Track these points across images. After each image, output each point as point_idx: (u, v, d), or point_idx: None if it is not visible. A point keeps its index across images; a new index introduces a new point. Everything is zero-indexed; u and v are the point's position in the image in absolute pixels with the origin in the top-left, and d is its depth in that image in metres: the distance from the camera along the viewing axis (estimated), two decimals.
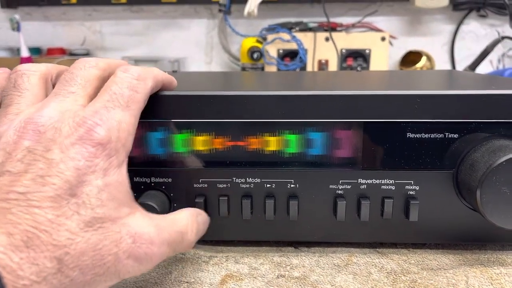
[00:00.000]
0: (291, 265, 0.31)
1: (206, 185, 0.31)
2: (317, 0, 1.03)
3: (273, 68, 0.98)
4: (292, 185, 0.30)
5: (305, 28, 1.00)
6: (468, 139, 0.29)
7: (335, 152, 0.30)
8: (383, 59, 0.97)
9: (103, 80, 0.26)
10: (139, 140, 0.30)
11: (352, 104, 0.29)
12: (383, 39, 0.97)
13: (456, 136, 0.29)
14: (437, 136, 0.29)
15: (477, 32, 1.07)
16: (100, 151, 0.21)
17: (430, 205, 0.30)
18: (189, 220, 0.26)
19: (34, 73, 0.25)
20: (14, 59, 1.05)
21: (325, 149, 0.30)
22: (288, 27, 1.00)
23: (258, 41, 0.99)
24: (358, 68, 0.92)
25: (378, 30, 1.03)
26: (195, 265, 0.30)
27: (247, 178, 0.30)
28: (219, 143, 0.30)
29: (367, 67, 0.97)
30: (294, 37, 0.96)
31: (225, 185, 0.31)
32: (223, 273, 0.30)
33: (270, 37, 0.98)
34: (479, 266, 0.30)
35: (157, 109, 0.29)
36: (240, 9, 1.01)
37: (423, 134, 0.29)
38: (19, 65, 0.26)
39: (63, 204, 0.19)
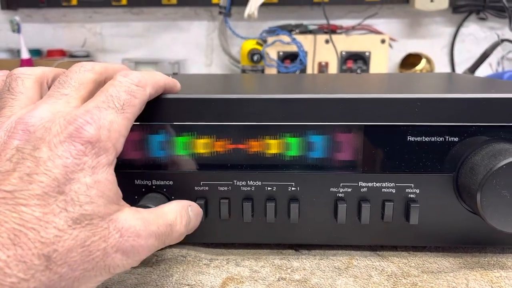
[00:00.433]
0: (291, 268, 0.31)
1: (207, 188, 0.31)
2: (317, 2, 1.03)
3: (273, 70, 0.98)
4: (292, 188, 0.31)
5: (305, 31, 1.00)
6: (468, 143, 0.29)
7: (335, 155, 0.30)
8: (383, 61, 0.97)
9: (99, 84, 0.26)
10: (140, 142, 0.30)
11: (352, 108, 0.29)
12: (383, 41, 0.97)
13: (456, 139, 0.29)
14: (437, 139, 0.29)
15: (476, 35, 1.07)
16: (89, 149, 0.21)
17: (431, 208, 0.30)
18: (178, 213, 0.26)
19: (28, 77, 0.25)
20: (14, 60, 1.05)
21: (325, 152, 0.30)
22: (288, 29, 1.00)
23: (258, 43, 0.99)
24: (358, 71, 0.92)
25: (378, 32, 1.03)
26: (196, 268, 0.31)
27: (248, 181, 0.31)
28: (220, 146, 0.30)
29: (367, 70, 0.97)
30: (294, 39, 0.96)
31: (226, 188, 0.31)
32: (224, 275, 0.30)
33: (270, 39, 0.98)
34: (479, 269, 0.30)
35: (158, 112, 0.29)
36: (241, 11, 1.01)
37: (423, 138, 0.29)
38: (15, 69, 0.26)
39: (50, 202, 0.20)
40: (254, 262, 0.31)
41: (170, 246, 0.33)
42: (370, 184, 0.30)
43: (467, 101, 0.28)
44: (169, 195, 0.31)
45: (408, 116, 0.29)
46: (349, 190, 0.30)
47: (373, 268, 0.30)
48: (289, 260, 0.32)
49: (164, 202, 0.30)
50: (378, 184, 0.30)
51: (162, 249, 0.32)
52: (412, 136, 0.29)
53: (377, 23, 1.06)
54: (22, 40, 0.99)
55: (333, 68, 0.98)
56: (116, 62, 1.05)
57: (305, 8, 1.08)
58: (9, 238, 0.18)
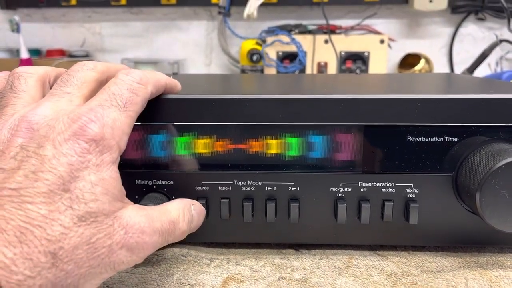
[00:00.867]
0: (292, 267, 0.31)
1: (207, 188, 0.31)
2: (316, 2, 1.03)
3: (272, 70, 0.98)
4: (293, 188, 0.31)
5: (304, 31, 1.00)
6: (467, 143, 0.29)
7: (335, 155, 0.30)
8: (382, 61, 0.98)
9: (101, 83, 0.26)
10: (141, 142, 0.30)
11: (352, 108, 0.29)
12: (382, 41, 0.98)
13: (455, 139, 0.29)
14: (437, 139, 0.29)
15: (475, 35, 1.07)
16: (93, 147, 0.21)
17: (430, 208, 0.30)
18: (181, 210, 0.26)
19: (31, 75, 0.25)
20: (13, 60, 1.05)
21: (325, 152, 0.30)
22: (288, 29, 1.00)
23: (257, 43, 0.99)
24: (357, 71, 0.93)
25: (377, 32, 1.03)
26: (197, 267, 0.31)
27: (248, 181, 0.31)
28: (221, 146, 0.30)
29: (366, 70, 0.98)
30: (293, 39, 0.96)
31: (226, 188, 0.31)
32: (225, 275, 0.30)
33: (269, 39, 0.98)
34: (478, 268, 0.30)
35: (159, 112, 0.29)
36: (240, 11, 1.01)
37: (423, 138, 0.29)
38: (17, 67, 0.26)
39: (56, 200, 0.20)
40: (255, 262, 0.31)
41: (171, 246, 0.33)
42: (370, 184, 0.30)
43: (466, 102, 0.28)
44: (170, 195, 0.31)
45: (407, 116, 0.29)
46: (349, 190, 0.30)
47: (373, 267, 0.31)
48: (289, 259, 0.32)
49: (165, 202, 0.30)
50: (378, 184, 0.30)
51: (162, 248, 0.32)
52: (411, 136, 0.29)
53: (376, 23, 1.06)
54: (21, 39, 0.99)
55: (332, 68, 0.98)
56: (116, 63, 1.05)
57: (304, 8, 1.08)
58: (15, 236, 0.18)
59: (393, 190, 0.30)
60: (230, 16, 1.05)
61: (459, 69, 1.07)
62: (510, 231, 0.27)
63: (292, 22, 1.05)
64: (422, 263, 0.31)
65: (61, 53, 1.16)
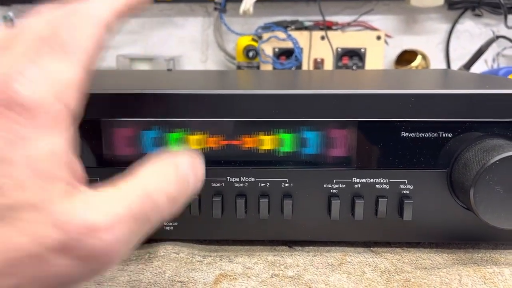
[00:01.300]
0: (285, 265, 0.30)
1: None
2: None
3: (268, 67, 0.97)
4: (286, 184, 0.30)
5: (300, 27, 1.00)
6: (462, 138, 0.29)
7: (329, 151, 0.30)
8: (379, 58, 0.97)
9: None
10: (133, 138, 0.30)
11: (346, 103, 0.29)
12: (378, 38, 0.97)
13: (450, 135, 0.29)
14: (431, 135, 0.29)
15: (472, 32, 1.07)
16: (23, 117, 0.15)
17: (424, 204, 0.30)
18: (160, 175, 0.18)
19: None
20: None
21: (319, 148, 0.30)
22: (284, 25, 0.99)
23: (253, 40, 0.99)
24: (354, 67, 0.92)
25: (373, 29, 1.03)
26: (189, 265, 0.30)
27: (241, 177, 0.30)
28: (213, 142, 0.30)
29: (363, 66, 0.97)
30: (289, 35, 0.95)
31: (219, 184, 0.30)
32: (217, 272, 0.29)
33: (265, 35, 0.97)
34: (472, 265, 0.30)
35: (151, 108, 0.29)
36: (236, 7, 1.01)
37: (417, 133, 0.29)
38: None
39: None
40: (247, 259, 0.31)
41: (164, 243, 0.32)
42: (363, 180, 0.30)
43: (461, 97, 0.28)
44: None
45: (402, 112, 0.29)
46: (343, 186, 0.30)
47: (366, 264, 0.30)
48: (282, 256, 0.32)
49: None
50: (371, 180, 0.30)
51: (154, 246, 0.32)
52: (406, 132, 0.29)
53: (373, 19, 1.06)
54: None
55: (328, 65, 0.97)
56: (111, 59, 1.04)
57: (301, 4, 1.08)
58: None
59: (387, 186, 0.30)
60: (226, 12, 1.04)
61: (456, 65, 1.07)
62: (504, 227, 0.27)
63: (288, 18, 1.05)
64: (416, 260, 0.31)
65: None
